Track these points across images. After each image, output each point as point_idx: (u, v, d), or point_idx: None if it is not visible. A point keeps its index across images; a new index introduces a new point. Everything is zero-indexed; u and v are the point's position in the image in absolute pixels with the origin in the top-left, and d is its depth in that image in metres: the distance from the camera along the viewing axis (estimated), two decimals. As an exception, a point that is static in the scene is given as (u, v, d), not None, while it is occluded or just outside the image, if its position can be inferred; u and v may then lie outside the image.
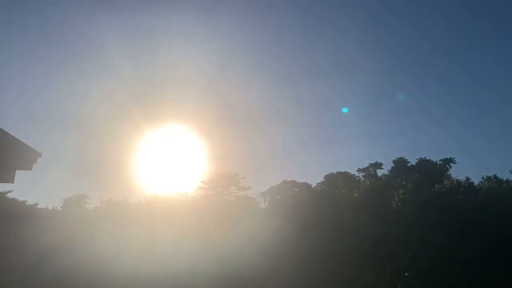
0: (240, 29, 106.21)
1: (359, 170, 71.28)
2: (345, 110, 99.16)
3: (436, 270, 35.63)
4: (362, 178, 66.38)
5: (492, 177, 55.29)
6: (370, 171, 69.78)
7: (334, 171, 72.69)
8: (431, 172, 60.61)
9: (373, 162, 71.53)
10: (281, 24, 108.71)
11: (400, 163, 65.83)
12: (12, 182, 7.94)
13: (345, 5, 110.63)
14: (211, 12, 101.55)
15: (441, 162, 64.57)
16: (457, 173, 76.95)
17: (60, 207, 61.57)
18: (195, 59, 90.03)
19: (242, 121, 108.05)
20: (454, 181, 42.39)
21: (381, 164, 71.23)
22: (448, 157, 65.31)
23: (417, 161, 65.13)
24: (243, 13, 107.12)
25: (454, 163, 65.01)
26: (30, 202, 53.28)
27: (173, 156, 71.93)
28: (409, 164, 65.72)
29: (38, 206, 54.19)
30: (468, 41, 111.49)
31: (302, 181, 72.55)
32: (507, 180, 52.47)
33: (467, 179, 43.29)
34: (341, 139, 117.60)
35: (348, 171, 72.41)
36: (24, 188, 77.08)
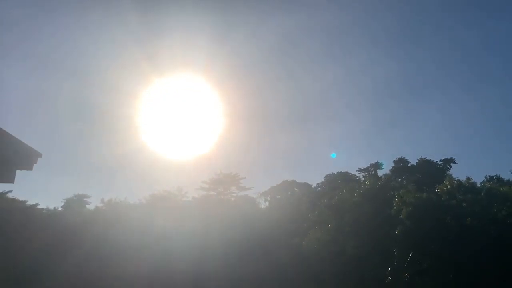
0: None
1: (360, 170, 71.06)
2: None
3: (437, 271, 35.61)
4: (363, 178, 66.25)
5: (495, 177, 55.29)
6: (371, 171, 69.56)
7: (335, 171, 72.75)
8: (431, 172, 60.59)
9: (373, 162, 71.42)
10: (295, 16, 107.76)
11: (401, 163, 65.81)
12: (13, 182, 7.95)
13: None
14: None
15: (442, 162, 64.52)
16: (457, 173, 76.89)
17: (61, 207, 61.61)
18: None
19: (242, 121, 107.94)
20: (455, 181, 42.35)
21: (381, 164, 71.10)
22: (449, 157, 65.33)
23: (417, 161, 65.10)
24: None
25: (455, 163, 64.99)
26: (30, 202, 53.37)
27: (171, 155, 71.95)
28: (409, 164, 65.68)
29: (39, 206, 54.30)
30: (468, 42, 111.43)
31: (303, 181, 72.59)
32: (508, 180, 52.55)
33: (468, 179, 43.27)
34: (342, 139, 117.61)
35: (349, 171, 72.40)
36: (25, 188, 77.17)
